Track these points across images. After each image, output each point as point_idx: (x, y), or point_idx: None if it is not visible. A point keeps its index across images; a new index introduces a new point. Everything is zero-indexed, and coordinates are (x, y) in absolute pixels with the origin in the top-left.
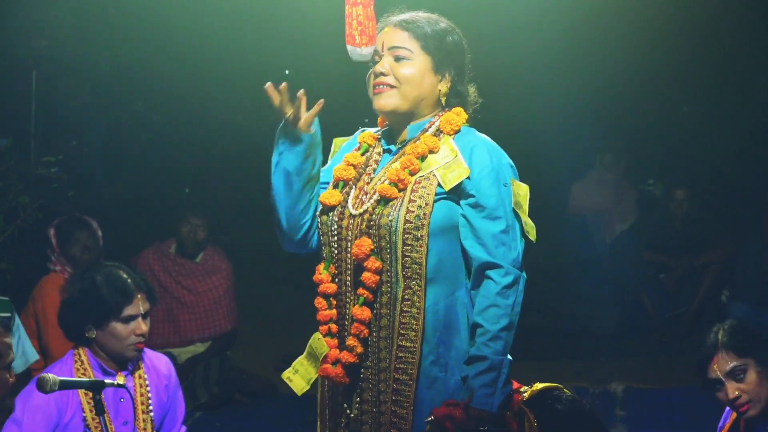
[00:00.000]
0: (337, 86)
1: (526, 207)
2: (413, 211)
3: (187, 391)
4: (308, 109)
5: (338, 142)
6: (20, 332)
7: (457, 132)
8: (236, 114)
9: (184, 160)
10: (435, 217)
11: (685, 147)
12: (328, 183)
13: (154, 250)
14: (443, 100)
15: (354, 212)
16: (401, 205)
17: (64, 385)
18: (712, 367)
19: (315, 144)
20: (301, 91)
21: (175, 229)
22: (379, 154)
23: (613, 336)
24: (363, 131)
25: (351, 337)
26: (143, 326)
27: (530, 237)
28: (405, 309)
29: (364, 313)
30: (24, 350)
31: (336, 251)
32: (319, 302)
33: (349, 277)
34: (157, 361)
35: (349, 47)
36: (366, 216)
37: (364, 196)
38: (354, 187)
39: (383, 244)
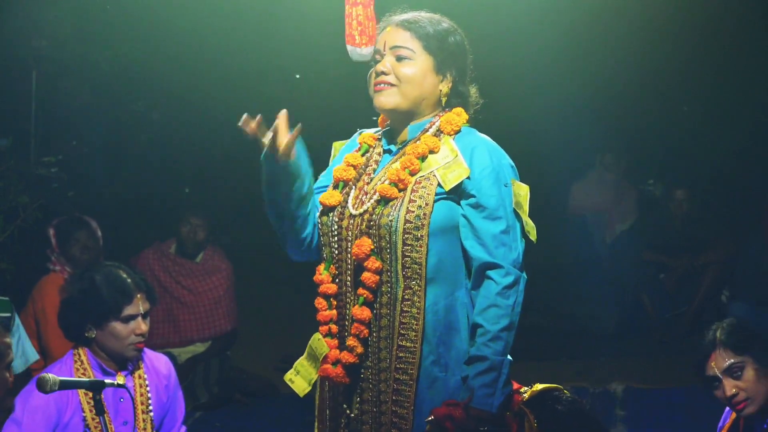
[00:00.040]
0: (337, 86)
1: (526, 207)
2: (413, 211)
3: (187, 391)
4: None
5: (337, 146)
6: (20, 332)
7: (457, 132)
8: (236, 114)
9: (184, 160)
10: (435, 217)
11: (685, 147)
12: (328, 186)
13: (154, 250)
14: (444, 100)
15: (354, 212)
16: (401, 205)
17: (64, 385)
18: (709, 364)
19: (298, 168)
20: (268, 118)
21: (175, 229)
22: (379, 154)
23: (613, 336)
24: (361, 133)
25: (351, 337)
26: (143, 326)
27: (531, 237)
28: (405, 309)
29: (364, 313)
30: (24, 350)
31: (336, 251)
32: (320, 302)
33: (349, 278)
34: (157, 361)
35: (349, 47)
36: (366, 216)
37: (364, 196)
38: (354, 187)
39: (383, 244)
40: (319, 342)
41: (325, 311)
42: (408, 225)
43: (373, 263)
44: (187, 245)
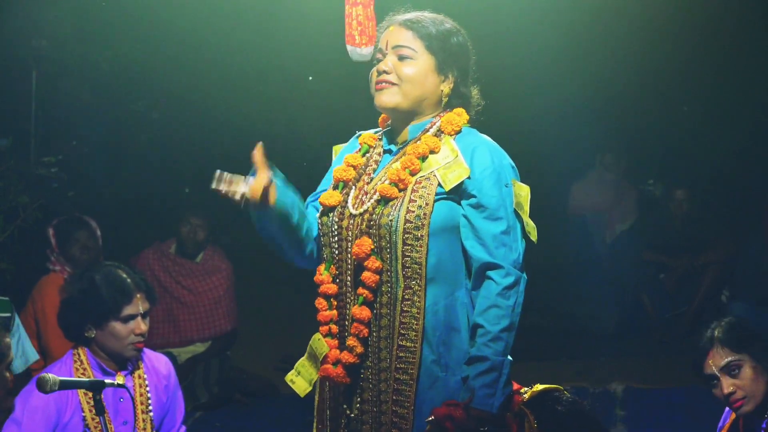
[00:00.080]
0: (337, 86)
1: (527, 208)
2: (413, 211)
3: (187, 391)
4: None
5: (337, 149)
6: (20, 332)
7: (458, 132)
8: (236, 114)
9: (184, 160)
10: (435, 217)
11: (685, 147)
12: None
13: (154, 250)
14: (445, 100)
15: (354, 212)
16: (401, 205)
17: (64, 385)
18: (707, 362)
19: (283, 206)
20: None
21: (175, 229)
22: (379, 154)
23: (613, 336)
24: (360, 135)
25: (351, 337)
26: (142, 326)
27: (531, 238)
28: (405, 309)
29: (364, 312)
30: (24, 350)
31: (336, 252)
32: (320, 303)
33: (349, 278)
34: (157, 361)
35: (349, 47)
36: (366, 216)
37: (364, 196)
38: (354, 187)
39: (383, 243)
40: (319, 342)
41: (326, 311)
42: (408, 225)
43: (374, 263)
44: (187, 245)
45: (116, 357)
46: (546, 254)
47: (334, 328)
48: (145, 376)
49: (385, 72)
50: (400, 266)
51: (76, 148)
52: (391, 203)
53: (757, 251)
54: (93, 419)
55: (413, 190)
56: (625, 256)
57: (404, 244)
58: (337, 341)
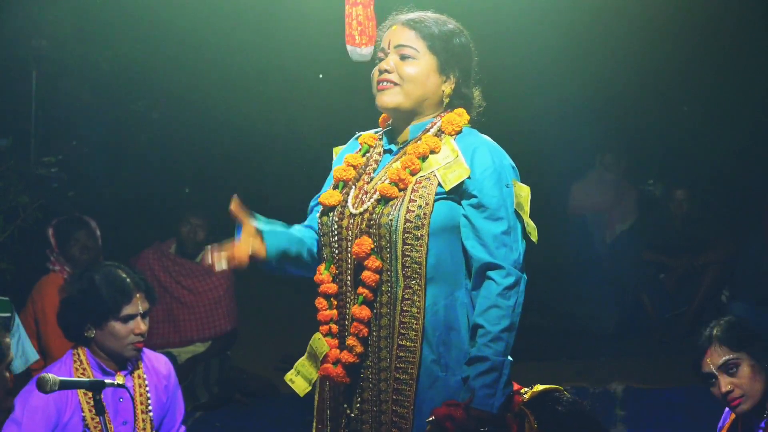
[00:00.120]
0: (337, 86)
1: (527, 208)
2: (413, 211)
3: (187, 391)
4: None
5: (337, 151)
6: (20, 332)
7: (458, 133)
8: (236, 114)
9: (184, 160)
10: (435, 217)
11: (685, 147)
12: None
13: (154, 250)
14: (446, 101)
15: (354, 211)
16: (401, 204)
17: (64, 385)
18: (705, 360)
19: (276, 252)
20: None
21: (175, 229)
22: (379, 154)
23: (613, 336)
24: (359, 136)
25: (351, 336)
26: (142, 325)
27: (532, 238)
28: (405, 308)
29: (363, 312)
30: (24, 350)
31: (336, 251)
32: (320, 302)
33: (349, 277)
34: (157, 361)
35: (349, 47)
36: (366, 215)
37: (364, 196)
38: (354, 186)
39: (383, 243)
40: (319, 341)
41: (326, 311)
42: (408, 224)
43: (374, 262)
44: (187, 245)
45: (116, 357)
46: (546, 254)
47: (334, 327)
48: (145, 376)
49: (386, 71)
50: (399, 266)
51: (76, 148)
52: (391, 203)
53: (757, 251)
54: (93, 419)
55: (413, 190)
56: (625, 256)
57: (404, 243)
58: (337, 341)
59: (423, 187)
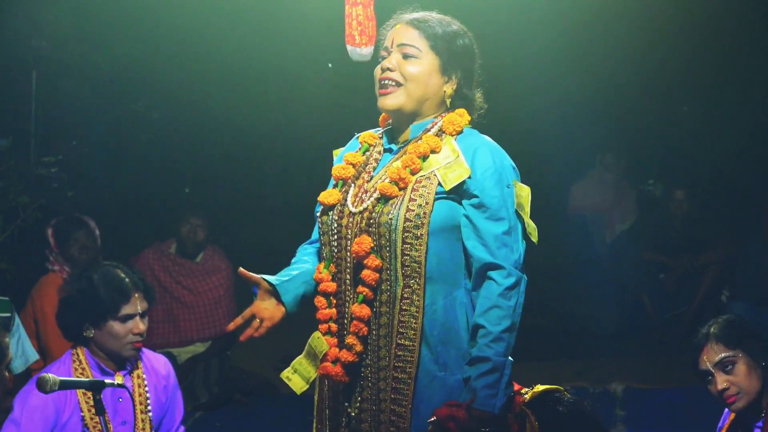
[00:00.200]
0: (337, 86)
1: (528, 208)
2: (413, 210)
3: (187, 391)
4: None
5: (336, 153)
6: (20, 332)
7: (459, 133)
8: (236, 114)
9: (184, 160)
10: (435, 217)
11: (685, 147)
12: None
13: (154, 250)
14: (448, 101)
15: (354, 210)
16: (401, 203)
17: (64, 385)
18: (702, 358)
19: (294, 300)
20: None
21: (175, 229)
22: (379, 153)
23: (613, 336)
24: (358, 136)
25: (350, 335)
26: (141, 325)
27: (532, 239)
28: (404, 308)
29: (363, 310)
30: (24, 350)
31: (336, 250)
32: (319, 301)
33: (348, 276)
34: (156, 361)
35: (349, 47)
36: (366, 214)
37: (364, 195)
38: (353, 185)
39: (383, 242)
40: (319, 340)
41: (325, 309)
42: (408, 224)
43: (373, 261)
44: (187, 245)
45: (115, 357)
46: (546, 254)
47: (333, 326)
48: (144, 376)
49: (389, 69)
50: (399, 265)
51: (76, 148)
52: (391, 202)
53: (757, 251)
54: (92, 419)
55: (413, 189)
56: (625, 256)
57: (404, 242)
58: (336, 339)
59: (423, 186)
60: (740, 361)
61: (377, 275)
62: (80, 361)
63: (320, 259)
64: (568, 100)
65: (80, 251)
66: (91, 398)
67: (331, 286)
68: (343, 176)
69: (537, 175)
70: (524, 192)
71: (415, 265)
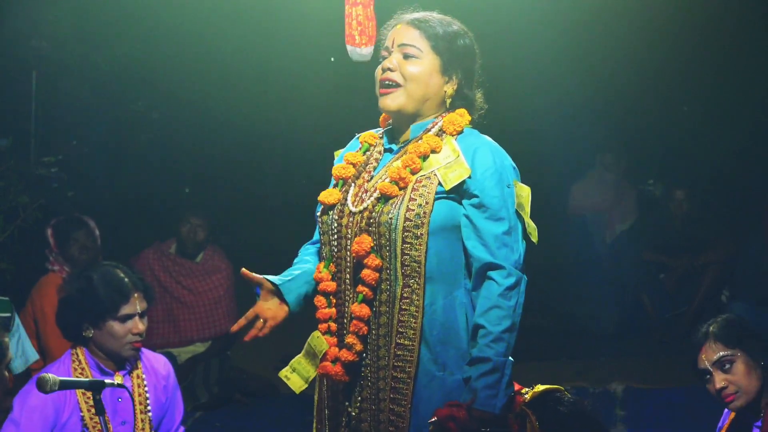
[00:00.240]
0: (337, 86)
1: (528, 209)
2: (413, 210)
3: (187, 391)
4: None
5: (338, 154)
6: (20, 332)
7: (459, 133)
8: (236, 114)
9: (184, 160)
10: (435, 217)
11: (685, 147)
12: None
13: (154, 250)
14: (448, 101)
15: (354, 210)
16: (401, 203)
17: (64, 385)
18: (700, 357)
19: (296, 299)
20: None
21: (175, 229)
22: (379, 152)
23: (613, 336)
24: (359, 136)
25: (350, 334)
26: (140, 325)
27: (532, 239)
28: (404, 307)
29: (363, 310)
30: (24, 350)
31: (336, 249)
32: (319, 300)
33: (348, 275)
34: (156, 361)
35: (349, 47)
36: (366, 213)
37: (364, 194)
38: (353, 185)
39: (383, 241)
40: (319, 339)
41: (325, 309)
42: (408, 223)
43: (373, 260)
44: (187, 245)
45: (114, 356)
46: (546, 254)
47: (333, 325)
48: (144, 376)
49: (389, 69)
50: (399, 264)
51: (76, 148)
52: (391, 201)
53: (757, 251)
54: (91, 419)
55: (413, 189)
56: (625, 256)
57: (403, 242)
58: (335, 339)
59: (423, 186)
60: (739, 360)
61: (377, 275)
62: (79, 361)
63: (321, 258)
64: (568, 100)
65: (80, 251)
66: (91, 398)
67: (331, 286)
68: (344, 176)
69: (537, 175)
70: (524, 192)
71: (414, 264)
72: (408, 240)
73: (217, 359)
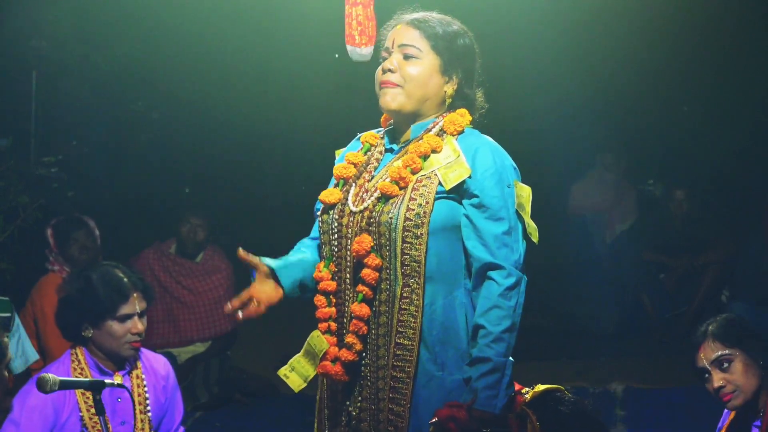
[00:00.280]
0: (337, 86)
1: (528, 209)
2: (413, 210)
3: (187, 391)
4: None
5: (339, 153)
6: (20, 332)
7: (460, 133)
8: (236, 114)
9: (184, 160)
10: (435, 216)
11: (685, 147)
12: None
13: (154, 250)
14: (449, 101)
15: (354, 209)
16: (401, 203)
17: (64, 385)
18: (699, 355)
19: (291, 284)
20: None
21: (175, 229)
22: (380, 152)
23: (613, 336)
24: (360, 136)
25: (350, 334)
26: (139, 325)
27: (533, 239)
28: (404, 307)
29: (363, 309)
30: (24, 350)
31: (336, 249)
32: (319, 300)
33: (348, 275)
34: (155, 361)
35: (349, 47)
36: (366, 213)
37: (365, 194)
38: (354, 184)
39: (383, 241)
40: (318, 339)
41: (324, 308)
42: (408, 223)
43: (373, 260)
44: (187, 245)
45: (113, 356)
46: (546, 254)
47: (333, 325)
48: (143, 376)
49: (390, 70)
50: (399, 264)
51: (76, 148)
52: (391, 201)
53: (757, 251)
54: (90, 419)
55: (414, 189)
56: (625, 256)
57: (403, 242)
58: (335, 338)
59: (423, 186)
60: (737, 359)
61: (377, 274)
62: (79, 361)
63: (320, 257)
64: (568, 100)
65: (80, 251)
66: (90, 398)
67: (331, 285)
68: (344, 175)
69: (537, 175)
70: (525, 192)
71: (414, 264)
72: (408, 240)
73: (217, 359)
